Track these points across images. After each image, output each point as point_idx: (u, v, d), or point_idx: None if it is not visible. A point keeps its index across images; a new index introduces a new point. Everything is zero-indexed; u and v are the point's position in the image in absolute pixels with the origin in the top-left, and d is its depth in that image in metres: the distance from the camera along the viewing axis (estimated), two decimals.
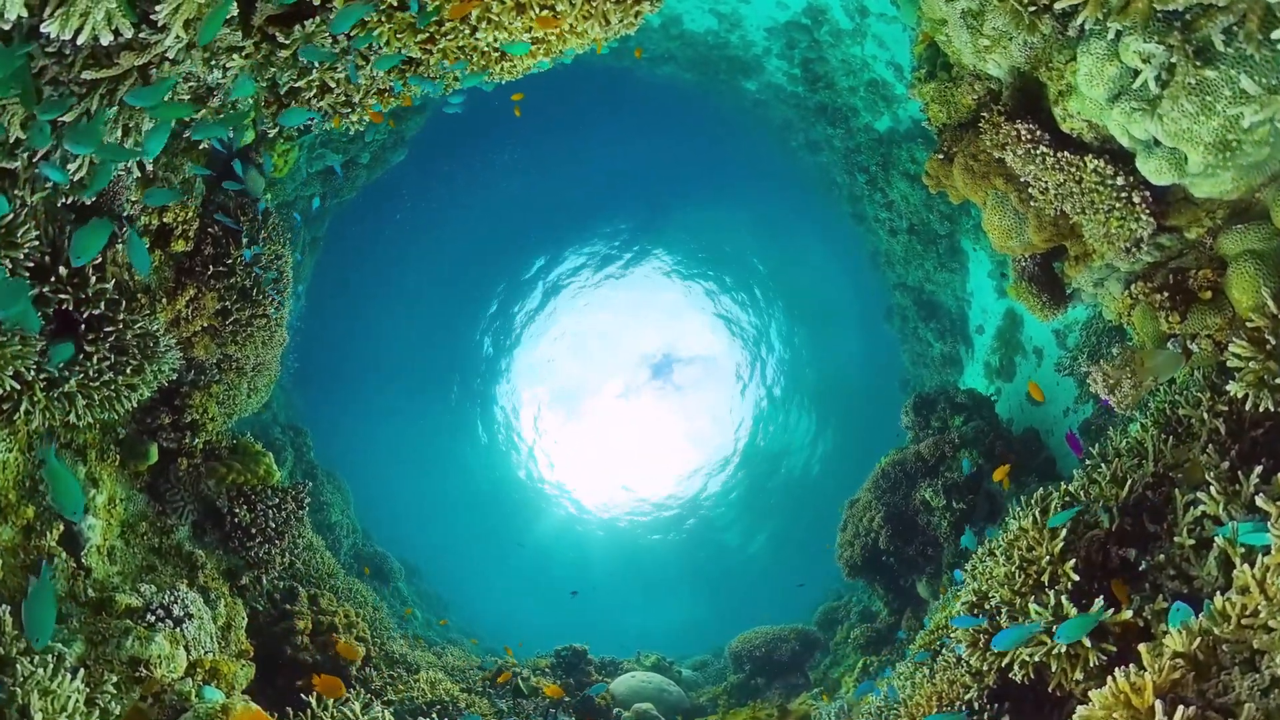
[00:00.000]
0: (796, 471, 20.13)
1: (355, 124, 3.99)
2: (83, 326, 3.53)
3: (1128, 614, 3.16)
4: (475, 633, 12.06)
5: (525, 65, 3.76)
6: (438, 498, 19.53)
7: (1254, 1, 2.73)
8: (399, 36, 3.35)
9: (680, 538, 21.63)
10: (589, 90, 12.78)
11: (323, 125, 3.96)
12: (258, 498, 5.12)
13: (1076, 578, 3.39)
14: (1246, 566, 2.66)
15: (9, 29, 2.43)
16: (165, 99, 2.83)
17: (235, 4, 2.88)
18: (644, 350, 20.95)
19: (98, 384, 3.56)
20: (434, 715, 5.44)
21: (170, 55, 2.99)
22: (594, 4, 3.39)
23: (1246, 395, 3.25)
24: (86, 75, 2.81)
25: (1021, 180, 3.85)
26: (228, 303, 4.57)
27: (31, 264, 3.32)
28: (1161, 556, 3.39)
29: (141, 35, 2.66)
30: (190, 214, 4.23)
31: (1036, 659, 3.33)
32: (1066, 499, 3.71)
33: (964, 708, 3.72)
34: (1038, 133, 3.68)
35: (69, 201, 3.31)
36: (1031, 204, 3.86)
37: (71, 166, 2.90)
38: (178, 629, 3.99)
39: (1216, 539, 3.09)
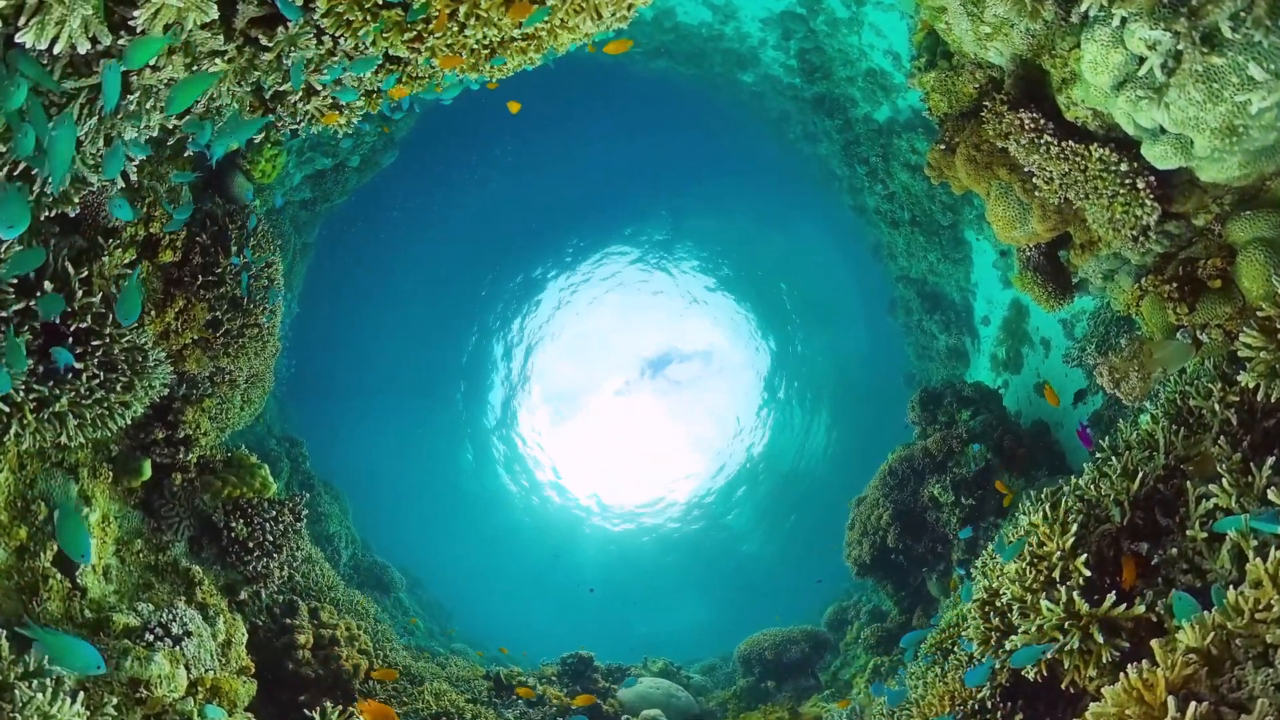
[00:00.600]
0: (802, 470, 19.99)
1: (344, 127, 3.90)
2: (70, 340, 3.44)
3: (1140, 609, 3.12)
4: (479, 641, 11.99)
5: (515, 63, 3.68)
6: (437, 505, 19.40)
7: None
8: (385, 35, 3.26)
9: (685, 540, 21.48)
10: (582, 86, 12.62)
11: (310, 129, 3.87)
12: (254, 511, 5.04)
13: (1088, 573, 3.34)
14: (1259, 560, 2.62)
15: None
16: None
17: (216, 7, 2.79)
18: (644, 350, 20.82)
19: (89, 402, 3.48)
20: None
21: (152, 61, 2.90)
22: None
23: (1258, 385, 3.20)
24: (66, 85, 2.73)
25: (1025, 170, 3.78)
26: (218, 313, 4.48)
27: (15, 281, 3.24)
28: (1174, 550, 3.34)
29: (120, 43, 2.58)
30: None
31: (1049, 656, 3.29)
32: (1077, 493, 3.66)
33: (977, 707, 3.67)
34: (1041, 122, 3.61)
35: (51, 215, 3.23)
36: (1036, 194, 3.80)
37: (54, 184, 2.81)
38: (177, 647, 3.93)
39: (1229, 532, 3.04)
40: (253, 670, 4.70)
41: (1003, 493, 5.66)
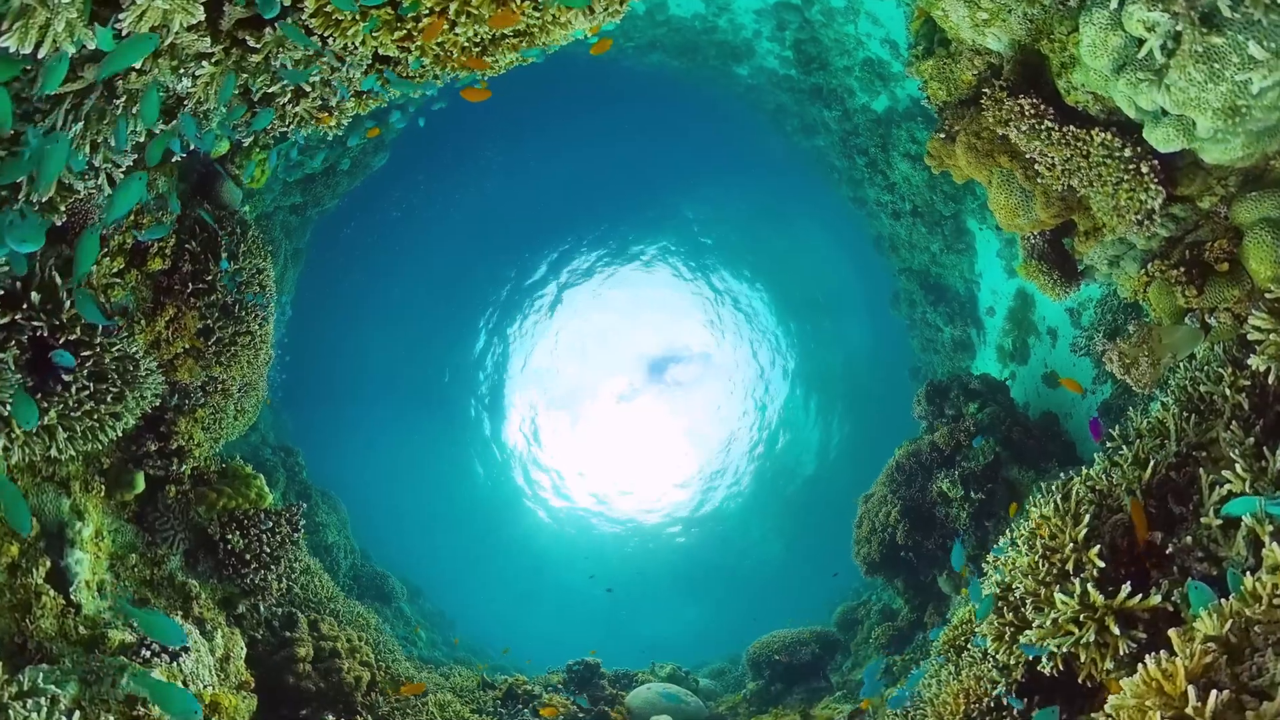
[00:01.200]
0: (808, 467, 19.83)
1: (334, 128, 3.84)
2: (57, 353, 3.36)
3: (1156, 599, 3.06)
4: (482, 648, 11.86)
5: (508, 60, 3.63)
6: (437, 513, 19.22)
7: None
8: (375, 35, 3.21)
9: (690, 542, 21.30)
10: (573, 82, 12.48)
11: (300, 132, 3.81)
12: (250, 522, 4.96)
13: (1102, 564, 3.29)
14: (1276, 544, 2.57)
15: None
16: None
17: (202, 8, 2.73)
18: (644, 351, 20.62)
19: (78, 414, 3.41)
20: None
21: (137, 65, 2.84)
22: None
23: (1269, 369, 3.16)
24: (50, 90, 2.66)
25: (1027, 157, 3.74)
26: (209, 321, 4.41)
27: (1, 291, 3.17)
28: (1189, 538, 3.29)
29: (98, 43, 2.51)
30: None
31: (1065, 649, 3.23)
32: (1088, 484, 3.60)
33: (992, 703, 3.61)
34: (1042, 107, 3.57)
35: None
36: (1038, 180, 3.75)
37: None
38: (174, 663, 3.85)
39: (1244, 518, 2.99)
40: (252, 685, 4.62)
41: (1011, 502, 5.61)
